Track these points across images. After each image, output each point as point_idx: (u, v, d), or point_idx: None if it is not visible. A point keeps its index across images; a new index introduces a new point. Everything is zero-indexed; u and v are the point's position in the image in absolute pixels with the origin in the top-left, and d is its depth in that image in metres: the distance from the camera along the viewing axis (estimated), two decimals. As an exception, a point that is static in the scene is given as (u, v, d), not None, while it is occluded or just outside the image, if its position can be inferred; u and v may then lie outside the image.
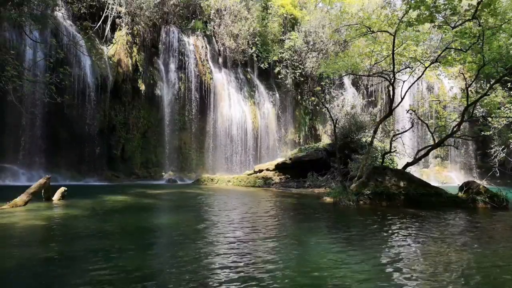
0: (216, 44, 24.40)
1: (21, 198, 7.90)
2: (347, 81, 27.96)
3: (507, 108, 16.92)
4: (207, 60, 23.34)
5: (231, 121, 23.33)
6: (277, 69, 25.95)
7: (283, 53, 25.92)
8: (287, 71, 26.03)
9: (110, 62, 19.20)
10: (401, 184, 10.02)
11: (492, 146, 21.16)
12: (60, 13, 17.87)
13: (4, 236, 5.16)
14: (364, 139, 16.96)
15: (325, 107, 15.87)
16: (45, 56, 15.70)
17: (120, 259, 4.09)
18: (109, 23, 19.59)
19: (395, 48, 11.68)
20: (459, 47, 11.33)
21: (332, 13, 26.51)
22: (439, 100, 25.01)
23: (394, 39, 11.45)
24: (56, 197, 9.02)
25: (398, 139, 14.12)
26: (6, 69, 11.73)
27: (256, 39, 25.11)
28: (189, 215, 7.74)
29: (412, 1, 10.12)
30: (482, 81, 20.24)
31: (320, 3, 28.29)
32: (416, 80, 13.87)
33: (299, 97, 27.46)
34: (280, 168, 18.14)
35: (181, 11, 23.22)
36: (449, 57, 12.34)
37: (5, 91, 11.85)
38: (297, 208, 9.50)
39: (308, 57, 26.06)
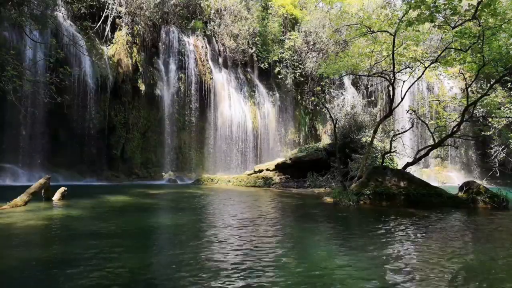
0: (216, 44, 24.41)
1: (21, 198, 7.89)
2: (347, 81, 27.95)
3: (507, 108, 16.93)
4: (207, 60, 23.34)
5: (231, 121, 23.33)
6: (277, 69, 25.94)
7: (283, 53, 25.92)
8: (287, 71, 26.03)
9: (110, 62, 19.19)
10: (401, 184, 10.02)
11: (492, 146, 21.15)
12: (60, 13, 17.86)
13: (4, 236, 5.16)
14: (364, 139, 16.94)
15: (325, 107, 15.88)
16: (45, 56, 15.69)
17: (120, 259, 4.09)
18: (109, 23, 19.58)
19: (395, 48, 11.68)
20: (459, 47, 11.33)
21: (332, 13, 26.49)
22: (439, 100, 25.02)
23: (394, 39, 11.45)
24: (56, 197, 9.02)
25: (398, 139, 14.12)
26: (6, 69, 11.72)
27: (256, 39, 25.11)
28: (189, 216, 7.74)
29: (412, 1, 10.13)
30: (482, 81, 20.22)
31: (320, 3, 28.28)
32: (416, 80, 13.87)
33: (299, 97, 27.46)
34: (280, 168, 18.14)
35: (181, 11, 23.22)
36: (449, 57, 12.35)
37: (5, 91, 11.84)
38: (297, 208, 9.49)
39: (308, 57, 26.06)
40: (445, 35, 12.74)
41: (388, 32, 12.10)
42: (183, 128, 22.24)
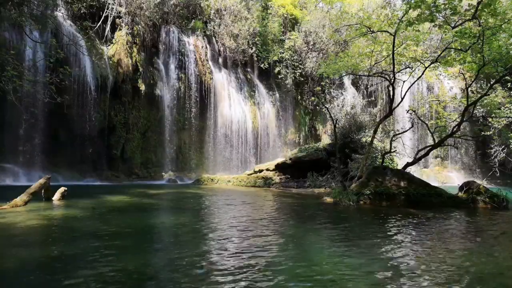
0: (216, 44, 24.40)
1: (21, 198, 7.89)
2: (347, 81, 27.96)
3: (507, 108, 16.93)
4: (207, 60, 23.34)
5: (231, 121, 23.33)
6: (277, 69, 25.94)
7: (283, 53, 25.92)
8: (287, 71, 26.02)
9: (110, 62, 19.19)
10: (401, 184, 10.02)
11: (492, 146, 21.16)
12: (60, 13, 17.86)
13: (4, 236, 5.15)
14: (364, 139, 16.95)
15: (325, 107, 15.87)
16: (45, 56, 15.69)
17: (120, 259, 4.09)
18: (109, 23, 19.58)
19: (395, 48, 11.68)
20: (459, 47, 11.33)
21: (332, 13, 26.50)
22: (439, 100, 25.00)
23: (394, 39, 11.45)
24: (56, 197, 9.01)
25: (398, 139, 14.12)
26: (6, 69, 11.73)
27: (256, 39, 25.11)
28: (189, 216, 7.73)
29: (412, 1, 10.13)
30: (482, 81, 20.24)
31: (320, 3, 28.28)
32: (416, 80, 13.87)
33: (299, 97, 27.46)
34: (280, 168, 18.14)
35: (181, 11, 23.21)
36: (449, 57, 12.35)
37: (5, 91, 11.85)
38: (297, 208, 9.49)
39: (308, 57, 26.06)
40: (445, 35, 12.74)
41: (388, 32, 12.10)
42: (183, 128, 22.23)
